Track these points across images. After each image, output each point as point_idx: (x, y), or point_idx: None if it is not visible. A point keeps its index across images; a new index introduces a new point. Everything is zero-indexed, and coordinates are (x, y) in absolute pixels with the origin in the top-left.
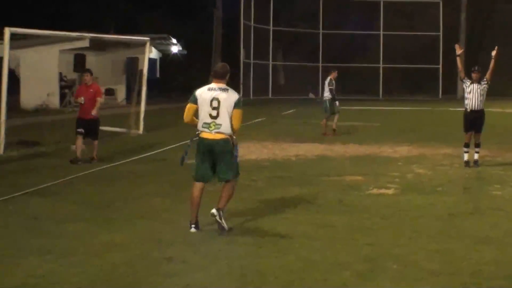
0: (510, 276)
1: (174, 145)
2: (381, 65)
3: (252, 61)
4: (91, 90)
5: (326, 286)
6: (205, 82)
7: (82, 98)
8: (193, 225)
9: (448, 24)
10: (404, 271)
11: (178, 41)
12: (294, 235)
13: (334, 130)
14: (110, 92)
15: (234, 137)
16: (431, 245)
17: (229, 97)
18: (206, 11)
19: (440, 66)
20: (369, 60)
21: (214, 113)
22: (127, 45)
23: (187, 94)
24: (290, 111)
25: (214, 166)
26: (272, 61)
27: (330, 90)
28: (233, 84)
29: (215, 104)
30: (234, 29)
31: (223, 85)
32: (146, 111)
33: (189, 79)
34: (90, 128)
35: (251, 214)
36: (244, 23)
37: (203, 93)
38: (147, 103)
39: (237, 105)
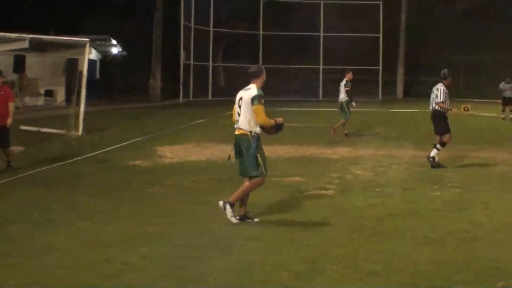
0: (449, 276)
1: (114, 147)
2: (321, 66)
3: (192, 62)
4: (2, 93)
5: (265, 287)
6: (145, 83)
7: None
8: (237, 217)
9: (388, 26)
10: (343, 271)
11: (118, 42)
12: (234, 236)
13: (334, 129)
14: (49, 93)
15: (255, 133)
16: (370, 246)
17: (247, 95)
18: (146, 12)
19: (380, 67)
20: (309, 61)
21: (239, 110)
22: (67, 46)
23: (127, 95)
24: (230, 112)
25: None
26: (212, 62)
27: (347, 92)
28: (173, 85)
29: (240, 103)
30: (174, 30)
31: (251, 85)
32: (85, 112)
33: (129, 80)
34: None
35: (191, 215)
36: (184, 24)
37: (237, 94)
38: (87, 104)
39: (252, 101)
